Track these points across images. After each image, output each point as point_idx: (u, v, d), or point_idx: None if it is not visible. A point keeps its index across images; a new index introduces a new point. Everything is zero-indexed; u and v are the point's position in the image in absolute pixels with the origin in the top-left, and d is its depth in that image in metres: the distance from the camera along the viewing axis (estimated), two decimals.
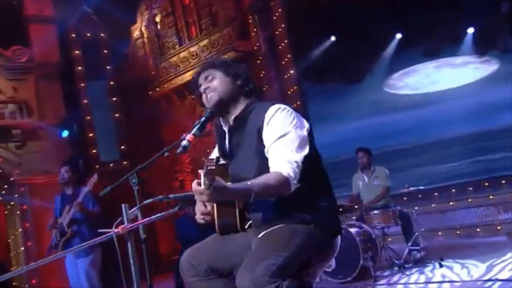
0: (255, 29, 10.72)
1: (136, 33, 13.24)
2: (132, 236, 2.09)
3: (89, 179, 4.72)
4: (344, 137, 9.50)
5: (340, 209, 5.22)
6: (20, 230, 9.21)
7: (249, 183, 1.80)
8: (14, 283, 9.42)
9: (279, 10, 10.14)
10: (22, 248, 9.10)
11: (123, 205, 2.07)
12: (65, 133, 9.23)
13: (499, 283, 3.88)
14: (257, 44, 10.65)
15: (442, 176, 8.68)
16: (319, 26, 9.51)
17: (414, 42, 9.52)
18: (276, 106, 2.03)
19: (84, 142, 10.18)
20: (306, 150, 1.96)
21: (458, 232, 7.51)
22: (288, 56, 10.12)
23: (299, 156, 1.91)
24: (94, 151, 10.20)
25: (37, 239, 8.51)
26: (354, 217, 6.07)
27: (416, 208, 8.02)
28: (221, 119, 2.18)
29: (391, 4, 9.30)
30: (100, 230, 2.00)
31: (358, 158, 6.24)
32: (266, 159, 1.94)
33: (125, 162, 10.35)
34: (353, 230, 5.18)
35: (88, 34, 10.88)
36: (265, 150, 1.96)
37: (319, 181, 2.07)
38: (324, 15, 9.34)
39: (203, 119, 2.06)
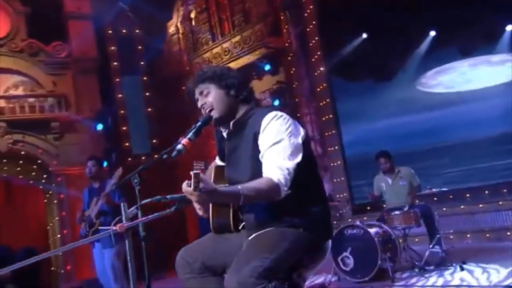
0: (286, 26, 10.75)
1: (171, 29, 13.52)
2: (130, 234, 2.20)
3: (115, 172, 4.91)
4: (373, 135, 9.41)
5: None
6: (57, 218, 9.69)
7: (239, 187, 1.86)
8: (52, 268, 9.96)
9: (311, 7, 10.13)
10: (59, 236, 9.56)
11: (121, 204, 2.19)
12: (100, 126, 9.60)
13: None
14: (288, 40, 10.69)
15: (473, 177, 8.47)
16: (350, 23, 9.43)
17: (449, 40, 9.26)
18: (273, 113, 2.07)
19: (117, 135, 10.56)
20: (298, 158, 2.00)
21: (488, 235, 7.33)
22: (319, 53, 10.10)
23: (291, 164, 1.96)
24: (127, 144, 10.56)
25: (72, 227, 8.92)
26: (376, 218, 6.03)
27: (444, 209, 7.95)
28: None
29: (425, 0, 9.14)
30: (100, 228, 2.13)
31: (380, 163, 6.15)
32: (261, 164, 2.00)
33: (156, 156, 10.60)
34: (372, 230, 5.16)
35: (124, 31, 11.23)
36: (260, 155, 2.02)
37: (311, 188, 2.10)
38: (356, 12, 9.25)
39: (199, 124, 2.14)
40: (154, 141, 11.04)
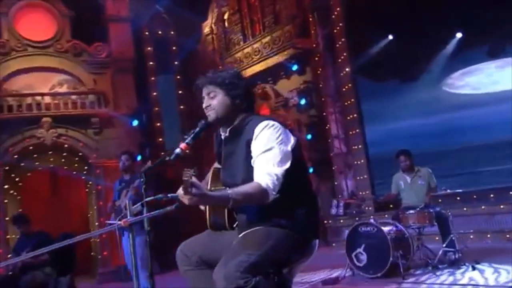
0: (314, 27, 10.77)
1: (206, 30, 13.74)
2: (133, 229, 2.35)
3: (144, 166, 5.13)
4: (397, 135, 9.34)
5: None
6: (95, 207, 10.12)
7: (229, 191, 1.95)
8: (92, 253, 10.42)
9: (338, 9, 10.11)
10: (97, 223, 9.99)
11: (127, 201, 2.34)
12: (135, 122, 9.94)
13: None
14: (316, 42, 10.72)
15: (496, 178, 8.28)
16: (376, 25, 9.36)
17: (476, 41, 9.06)
18: (265, 122, 2.12)
19: (151, 131, 10.89)
20: (287, 165, 2.06)
21: (508, 236, 7.18)
22: (345, 54, 10.08)
23: (280, 170, 2.02)
24: (161, 139, 10.88)
25: (108, 216, 9.28)
26: (391, 216, 6.04)
27: (465, 209, 7.84)
28: (220, 128, 2.31)
29: (453, 2, 8.95)
30: (107, 222, 2.28)
31: (400, 161, 6.10)
32: (252, 169, 2.06)
33: (187, 151, 10.88)
34: (386, 228, 5.18)
35: (159, 32, 11.55)
36: (252, 161, 2.09)
37: (299, 191, 2.17)
38: (382, 14, 9.18)
39: (197, 129, 2.22)
40: (185, 137, 11.26)
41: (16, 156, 9.77)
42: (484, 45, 9.05)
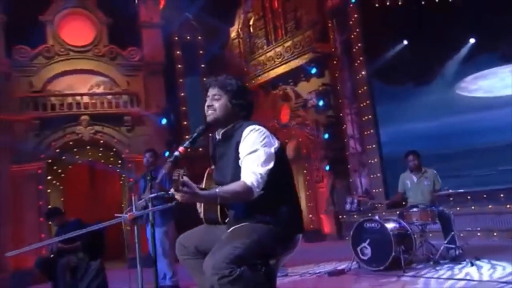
0: (333, 33, 10.79)
1: (233, 34, 13.91)
2: (138, 221, 2.47)
3: (166, 162, 5.32)
4: (411, 136, 9.26)
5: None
6: (128, 199, 10.47)
7: (217, 190, 2.04)
8: (124, 240, 10.74)
9: (355, 15, 10.09)
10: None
11: (132, 197, 2.47)
12: (164, 121, 10.20)
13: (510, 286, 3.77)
14: (334, 46, 10.73)
15: (503, 178, 8.14)
16: (392, 31, 9.31)
17: (490, 46, 8.91)
18: (252, 126, 2.20)
19: (179, 129, 11.14)
20: (271, 165, 2.13)
21: None
22: (361, 58, 10.06)
23: (264, 170, 2.09)
24: (187, 137, 11.03)
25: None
26: (397, 213, 6.05)
27: (473, 207, 7.75)
28: (216, 132, 2.37)
29: (466, 9, 8.81)
30: (116, 215, 2.41)
31: (409, 160, 6.09)
32: (240, 169, 2.14)
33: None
34: (389, 225, 5.23)
35: (188, 37, 11.80)
36: (239, 162, 2.17)
37: (282, 190, 2.23)
38: (397, 20, 9.13)
39: (194, 135, 2.28)
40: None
41: (57, 150, 10.17)
42: (497, 50, 8.89)
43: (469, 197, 7.84)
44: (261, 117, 12.71)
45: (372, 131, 9.96)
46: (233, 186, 2.09)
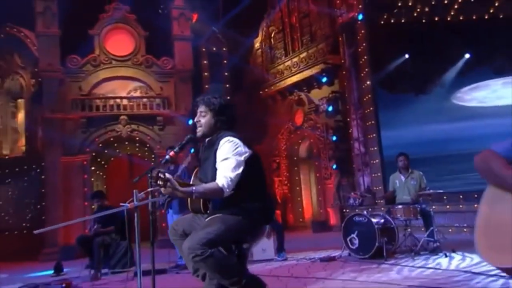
0: (343, 46, 10.89)
1: (257, 45, 14.18)
2: (138, 210, 2.61)
3: (186, 158, 5.61)
4: (410, 140, 9.32)
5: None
6: None
7: (194, 188, 2.25)
8: (156, 224, 11.26)
9: (362, 31, 10.17)
10: None
11: (134, 191, 2.68)
12: (191, 122, 10.56)
13: (469, 274, 3.90)
14: (344, 58, 10.85)
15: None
16: (395, 45, 9.40)
17: (484, 61, 8.90)
18: (227, 138, 2.38)
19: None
20: (239, 170, 2.31)
21: None
22: (366, 69, 10.14)
23: (233, 174, 2.28)
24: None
25: None
26: (382, 209, 6.21)
27: (461, 206, 7.78)
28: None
29: (463, 27, 8.84)
30: (121, 204, 2.65)
31: (399, 161, 6.23)
32: (216, 170, 2.36)
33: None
34: (375, 219, 5.42)
35: (214, 49, 12.10)
36: (216, 165, 2.37)
37: (250, 190, 2.40)
38: (399, 36, 9.22)
39: (183, 142, 2.55)
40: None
41: (100, 145, 10.67)
42: (490, 65, 8.87)
43: (461, 197, 7.90)
44: (278, 119, 12.99)
45: (374, 135, 10.05)
46: (207, 186, 2.31)
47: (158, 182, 2.15)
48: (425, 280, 3.86)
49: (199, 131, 2.53)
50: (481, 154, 1.69)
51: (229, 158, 2.34)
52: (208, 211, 2.49)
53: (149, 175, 2.45)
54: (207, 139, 2.54)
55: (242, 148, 2.40)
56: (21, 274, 6.88)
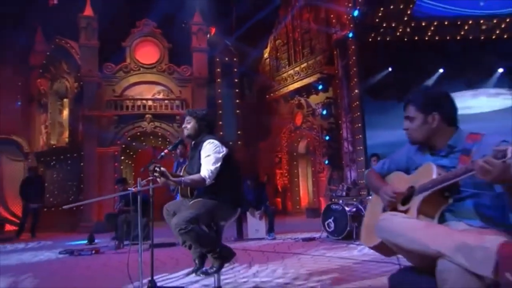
0: (337, 59, 11.08)
1: (266, 55, 14.47)
2: (141, 194, 2.82)
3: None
4: (392, 140, 9.49)
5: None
6: None
7: (182, 178, 2.55)
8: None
9: (353, 47, 10.34)
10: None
11: (138, 178, 3.01)
12: None
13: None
14: (337, 69, 11.06)
15: None
16: (380, 59, 9.63)
17: (458, 74, 9.05)
18: (209, 140, 2.67)
19: (215, 127, 11.83)
20: (218, 165, 2.59)
21: None
22: (355, 79, 10.33)
23: (214, 167, 2.57)
24: (221, 133, 11.81)
25: None
26: (354, 200, 6.43)
27: None
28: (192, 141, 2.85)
29: (438, 45, 9.00)
30: (128, 188, 2.99)
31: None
32: (200, 165, 2.64)
33: (239, 142, 11.90)
34: (348, 207, 5.73)
35: (226, 59, 12.40)
36: (201, 161, 2.66)
37: (227, 180, 2.67)
38: (384, 52, 9.44)
39: (176, 142, 2.94)
40: (239, 132, 12.28)
41: (129, 138, 11.11)
42: (462, 78, 9.01)
43: None
44: (281, 120, 13.29)
45: (360, 136, 10.27)
46: (193, 177, 2.61)
47: (155, 173, 2.49)
48: (376, 256, 4.16)
49: (186, 133, 2.84)
50: (366, 173, 2.04)
51: (210, 155, 2.63)
52: (193, 196, 2.79)
53: (150, 168, 2.61)
54: (193, 142, 2.84)
55: (220, 148, 2.69)
56: (62, 242, 7.38)
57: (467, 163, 1.61)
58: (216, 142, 2.71)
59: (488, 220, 1.64)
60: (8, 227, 10.68)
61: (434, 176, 1.71)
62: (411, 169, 1.87)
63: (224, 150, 2.72)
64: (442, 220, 1.70)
